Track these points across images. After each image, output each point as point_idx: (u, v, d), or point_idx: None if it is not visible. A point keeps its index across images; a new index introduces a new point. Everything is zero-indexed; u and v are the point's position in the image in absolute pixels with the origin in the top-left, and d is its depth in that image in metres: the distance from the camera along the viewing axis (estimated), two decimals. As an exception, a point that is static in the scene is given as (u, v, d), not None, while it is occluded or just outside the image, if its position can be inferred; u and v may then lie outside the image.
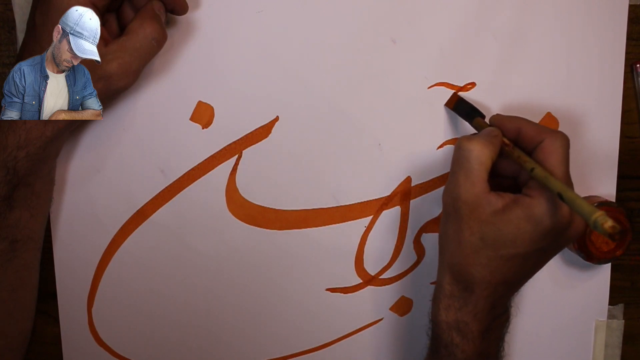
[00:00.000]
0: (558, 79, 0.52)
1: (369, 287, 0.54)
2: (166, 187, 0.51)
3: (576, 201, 0.39)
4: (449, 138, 0.52)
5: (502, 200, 0.43)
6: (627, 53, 0.52)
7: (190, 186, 0.51)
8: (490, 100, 0.52)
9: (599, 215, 0.36)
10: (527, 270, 0.45)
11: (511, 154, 0.44)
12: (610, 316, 0.56)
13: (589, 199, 0.53)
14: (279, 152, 0.51)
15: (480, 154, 0.43)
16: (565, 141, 0.44)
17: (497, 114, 0.48)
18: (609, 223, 0.36)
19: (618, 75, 0.52)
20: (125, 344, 0.54)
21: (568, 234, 0.43)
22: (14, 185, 0.43)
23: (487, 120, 0.49)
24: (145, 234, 0.52)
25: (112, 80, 0.43)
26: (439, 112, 0.52)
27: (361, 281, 0.54)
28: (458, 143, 0.44)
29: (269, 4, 0.49)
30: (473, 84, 0.52)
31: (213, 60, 0.50)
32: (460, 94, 0.52)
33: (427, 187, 0.53)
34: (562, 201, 0.40)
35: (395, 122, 0.52)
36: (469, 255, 0.43)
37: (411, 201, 0.53)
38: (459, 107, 0.51)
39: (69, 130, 0.46)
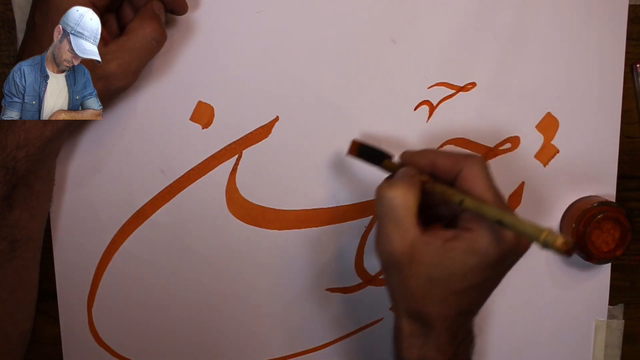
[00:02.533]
0: (558, 79, 0.52)
1: (369, 287, 0.54)
2: (166, 187, 0.51)
3: (518, 225, 0.37)
4: (449, 138, 0.52)
5: (441, 239, 0.41)
6: (627, 53, 0.52)
7: (190, 186, 0.51)
8: (490, 100, 0.52)
9: (546, 235, 0.35)
10: (483, 297, 0.44)
11: (433, 190, 0.42)
12: (610, 316, 0.56)
13: (589, 198, 0.53)
14: (279, 152, 0.51)
15: (405, 200, 0.41)
16: (482, 163, 0.42)
17: (406, 151, 0.46)
18: (559, 240, 0.34)
19: (618, 75, 0.52)
20: (125, 344, 0.54)
21: (517, 252, 0.42)
22: (14, 185, 0.43)
23: (396, 159, 0.47)
24: (145, 234, 0.52)
25: (112, 80, 0.43)
26: (439, 112, 0.52)
27: (361, 281, 0.54)
28: (378, 193, 0.42)
29: (269, 4, 0.49)
30: (473, 84, 0.52)
31: (213, 60, 0.50)
32: (462, 94, 0.52)
33: (427, 187, 0.53)
34: (503, 227, 0.38)
35: (395, 122, 0.52)
36: (421, 297, 0.42)
37: (411, 201, 0.53)
38: (363, 153, 0.48)
39: (68, 130, 0.46)
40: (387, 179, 0.46)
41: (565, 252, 0.34)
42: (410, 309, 0.43)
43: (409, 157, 0.45)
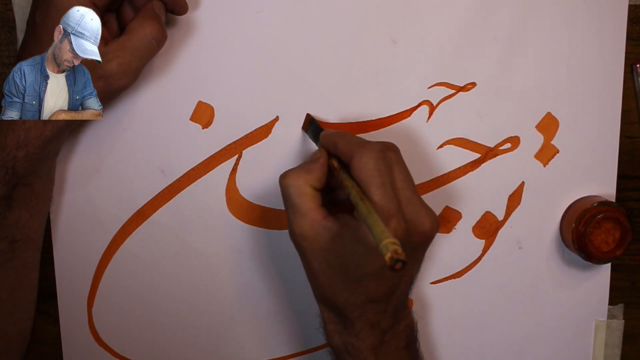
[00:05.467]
0: (558, 79, 0.52)
1: (369, 287, 0.54)
2: (166, 187, 0.51)
3: (372, 225, 0.36)
4: (449, 138, 0.52)
5: (338, 224, 0.42)
6: (627, 53, 0.52)
7: (190, 186, 0.51)
8: (490, 100, 0.52)
9: (386, 243, 0.34)
10: (390, 285, 0.43)
11: (337, 175, 0.43)
12: (610, 316, 0.56)
13: (589, 198, 0.53)
14: (279, 152, 0.51)
15: (298, 187, 0.42)
16: (371, 154, 0.41)
17: (325, 131, 0.46)
18: (388, 254, 0.33)
19: (618, 75, 0.52)
20: (125, 344, 0.54)
21: (414, 241, 0.42)
22: (13, 185, 0.43)
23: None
24: (145, 234, 0.52)
25: (112, 80, 0.43)
26: (439, 112, 0.52)
27: (361, 281, 0.54)
28: (279, 181, 0.44)
29: (269, 4, 0.49)
30: (473, 84, 0.52)
31: (213, 60, 0.50)
32: (462, 94, 0.52)
33: (427, 187, 0.53)
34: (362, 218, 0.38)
35: (395, 122, 0.52)
36: (325, 283, 0.43)
37: (411, 201, 0.53)
38: (309, 128, 0.49)
39: (68, 130, 0.46)
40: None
41: (390, 266, 0.33)
42: (321, 297, 0.44)
43: (323, 138, 0.46)
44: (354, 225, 0.41)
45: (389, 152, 0.43)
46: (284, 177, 0.43)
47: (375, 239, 0.35)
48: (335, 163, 0.44)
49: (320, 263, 0.42)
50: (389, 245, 0.33)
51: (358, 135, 0.51)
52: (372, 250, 0.40)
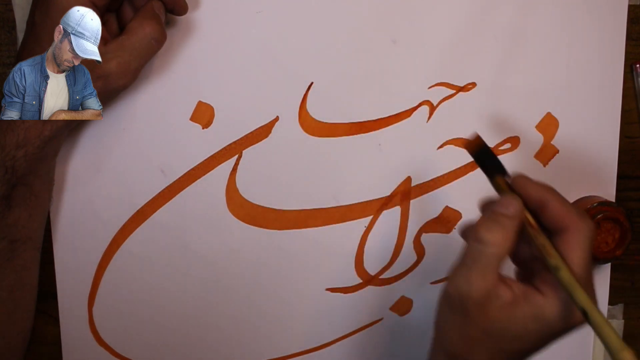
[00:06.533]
0: (558, 79, 0.52)
1: (369, 287, 0.54)
2: (166, 187, 0.51)
3: (603, 329, 0.34)
4: (449, 138, 0.52)
5: (511, 293, 0.39)
6: (627, 53, 0.52)
7: (190, 186, 0.51)
8: (490, 100, 0.52)
9: (626, 356, 0.33)
10: (530, 357, 0.41)
11: (534, 238, 0.39)
12: (610, 316, 0.56)
13: (589, 198, 0.53)
14: (279, 152, 0.51)
15: (500, 250, 0.39)
16: (590, 235, 0.38)
17: (522, 176, 0.41)
18: None
19: (618, 75, 0.52)
20: (125, 343, 0.54)
21: (576, 328, 0.40)
22: (13, 184, 0.43)
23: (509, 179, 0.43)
24: (146, 234, 0.52)
25: (111, 79, 0.43)
26: (439, 112, 0.52)
27: (361, 281, 0.54)
28: (475, 231, 0.39)
29: (269, 4, 0.49)
30: (473, 84, 0.52)
31: (213, 60, 0.50)
32: (462, 94, 0.52)
33: (427, 187, 0.53)
34: (585, 319, 0.36)
35: (395, 122, 0.52)
36: (470, 347, 0.40)
37: (411, 201, 0.53)
38: (481, 156, 0.43)
39: (67, 130, 0.46)
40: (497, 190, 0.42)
41: None
42: (454, 354, 0.41)
43: (522, 184, 0.41)
44: (540, 303, 0.38)
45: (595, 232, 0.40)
46: (488, 231, 0.39)
47: (609, 347, 0.34)
48: (533, 222, 0.39)
49: (477, 328, 0.39)
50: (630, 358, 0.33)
51: (358, 135, 0.52)
52: (550, 333, 0.39)
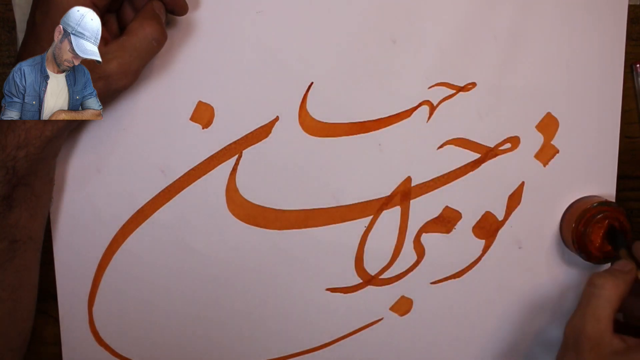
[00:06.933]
0: (558, 79, 0.52)
1: (369, 287, 0.54)
2: (166, 187, 0.51)
3: None
4: (449, 138, 0.52)
5: (624, 344, 0.44)
6: (627, 53, 0.52)
7: (190, 186, 0.51)
8: (490, 100, 0.52)
9: None
10: None
11: None
12: (610, 316, 0.56)
13: (589, 198, 0.53)
14: (279, 152, 0.51)
15: (611, 294, 0.45)
16: None
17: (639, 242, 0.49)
18: None
19: (618, 75, 0.52)
20: (125, 344, 0.54)
21: None
22: (13, 185, 0.43)
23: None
24: (146, 234, 0.52)
25: (112, 80, 0.43)
26: (439, 112, 0.52)
27: (361, 281, 0.54)
28: (590, 278, 0.47)
29: (269, 4, 0.49)
30: (473, 84, 0.52)
31: (213, 60, 0.50)
32: (462, 94, 0.52)
33: (427, 187, 0.53)
34: None
35: (395, 122, 0.52)
36: None
37: (411, 201, 0.53)
38: (612, 236, 0.51)
39: (68, 130, 0.46)
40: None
41: None
42: None
43: (637, 248, 0.49)
44: None
45: None
46: (600, 277, 0.46)
47: None
48: None
49: None
50: None
51: (358, 135, 0.52)
52: None
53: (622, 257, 0.50)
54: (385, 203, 0.53)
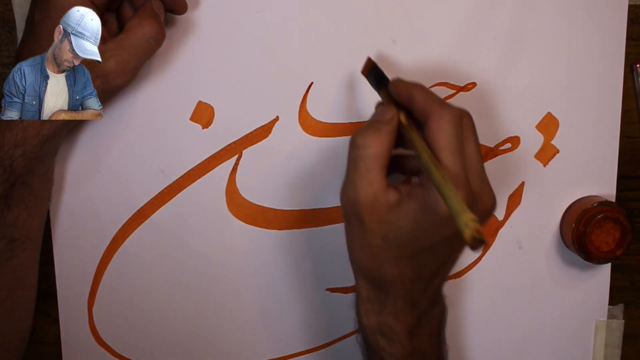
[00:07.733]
0: (558, 79, 0.52)
1: (369, 287, 0.54)
2: (166, 187, 0.51)
3: (448, 198, 0.34)
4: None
5: (398, 194, 0.40)
6: (627, 53, 0.52)
7: (190, 186, 0.51)
8: (490, 100, 0.52)
9: (468, 220, 0.32)
10: (440, 262, 0.41)
11: (405, 133, 0.40)
12: (610, 316, 0.56)
13: (589, 198, 0.53)
14: (279, 152, 0.51)
15: (376, 151, 0.40)
16: (449, 117, 0.39)
17: (397, 80, 0.43)
18: (468, 232, 0.31)
19: (618, 75, 0.52)
20: (125, 343, 0.54)
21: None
22: (11, 184, 0.43)
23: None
24: (146, 234, 0.52)
25: (110, 78, 0.43)
26: (439, 112, 0.52)
27: (361, 281, 0.54)
28: (352, 139, 0.41)
29: (269, 4, 0.49)
30: (473, 84, 0.52)
31: (213, 60, 0.50)
32: (462, 94, 0.52)
33: (427, 187, 0.53)
34: (438, 192, 0.35)
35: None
36: (375, 256, 0.40)
37: (411, 201, 0.53)
38: (371, 74, 0.45)
39: (66, 129, 0.46)
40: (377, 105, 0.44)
41: (470, 245, 0.31)
42: (366, 268, 0.42)
43: (395, 87, 0.43)
44: (421, 193, 0.38)
45: (465, 119, 0.41)
46: (362, 136, 0.40)
47: (452, 211, 0.33)
48: (403, 118, 0.41)
49: (375, 236, 0.40)
50: (470, 223, 0.31)
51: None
52: (439, 220, 0.38)
53: (383, 99, 0.43)
54: (385, 203, 0.53)
